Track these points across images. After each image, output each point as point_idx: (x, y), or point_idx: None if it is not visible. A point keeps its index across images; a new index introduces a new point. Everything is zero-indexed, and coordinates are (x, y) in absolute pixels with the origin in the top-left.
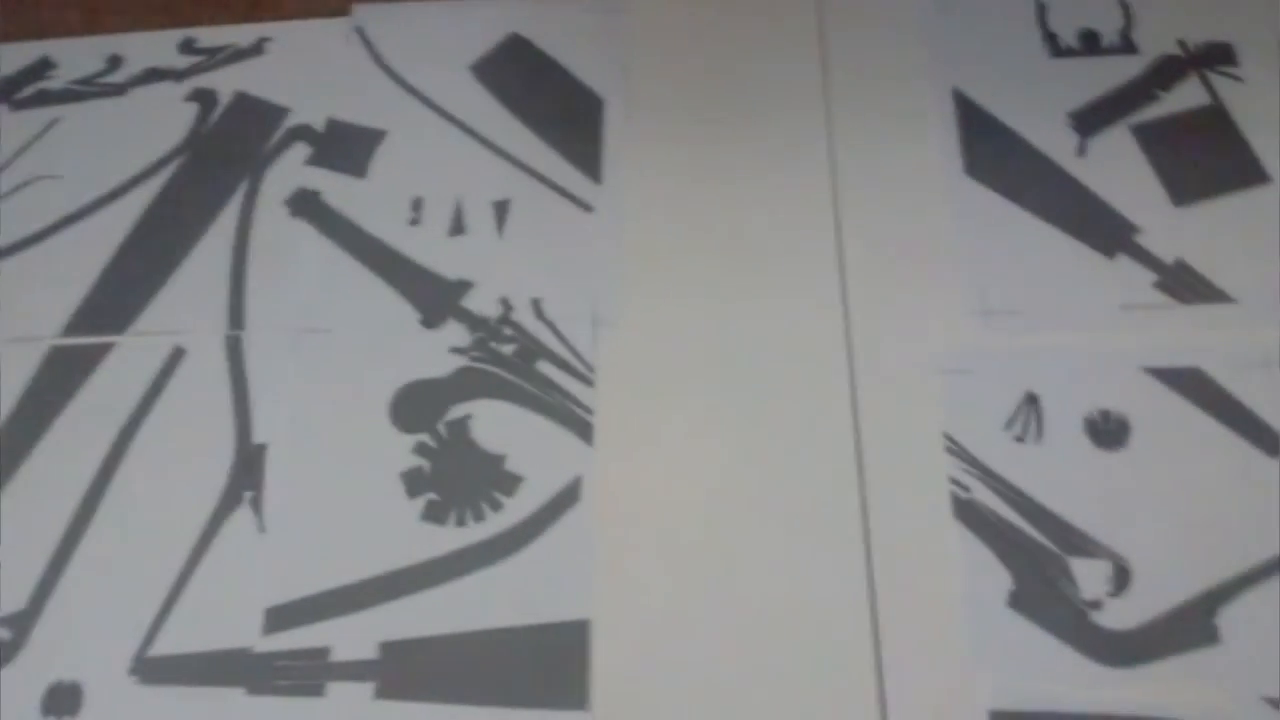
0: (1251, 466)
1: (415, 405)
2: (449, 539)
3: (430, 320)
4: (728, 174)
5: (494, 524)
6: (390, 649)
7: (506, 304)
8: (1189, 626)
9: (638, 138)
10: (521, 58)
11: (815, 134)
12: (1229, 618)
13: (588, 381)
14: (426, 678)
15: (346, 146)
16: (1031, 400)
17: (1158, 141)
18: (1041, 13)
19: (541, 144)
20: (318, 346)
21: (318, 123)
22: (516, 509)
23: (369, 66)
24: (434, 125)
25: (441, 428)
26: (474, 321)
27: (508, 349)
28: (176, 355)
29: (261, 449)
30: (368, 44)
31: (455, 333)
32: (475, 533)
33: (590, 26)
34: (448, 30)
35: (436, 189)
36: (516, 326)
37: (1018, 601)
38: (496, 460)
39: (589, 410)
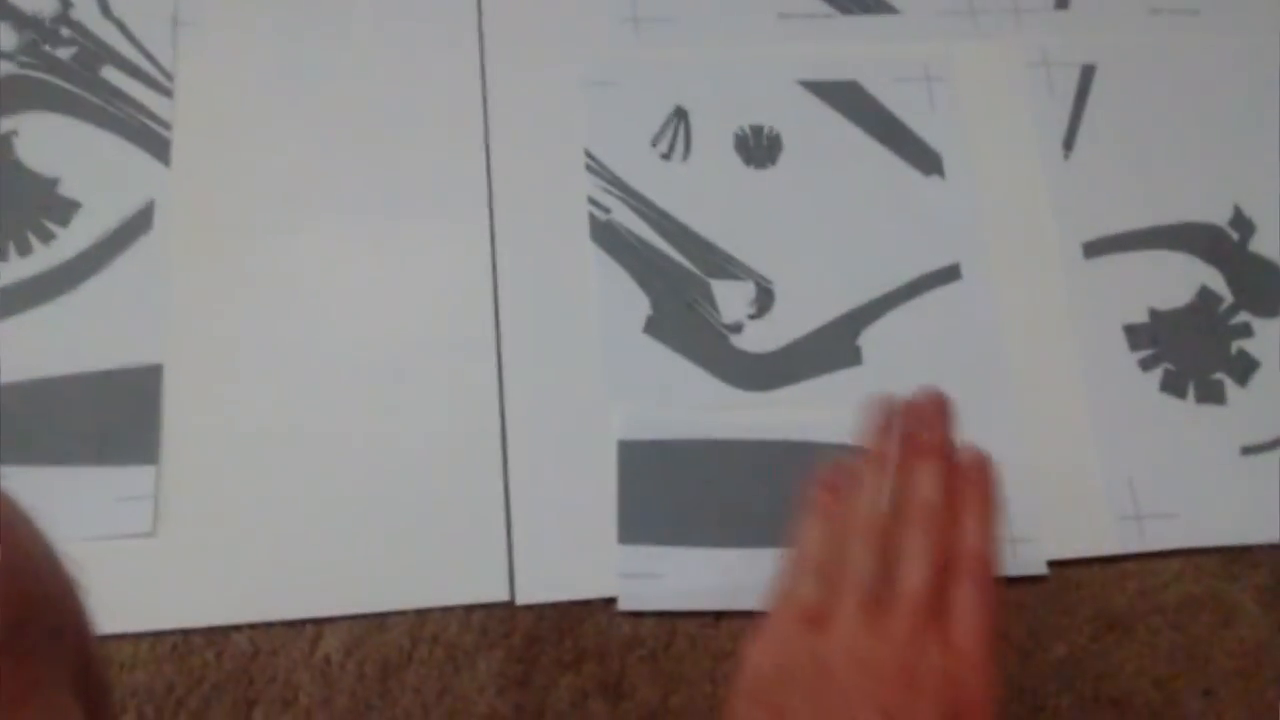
0: (905, 185)
1: None
2: None
3: None
4: None
5: (45, 258)
6: None
7: (65, 0)
8: (831, 348)
9: None
10: None
11: None
12: (870, 339)
13: (164, 91)
14: None
15: None
16: (680, 114)
17: None
18: None
19: None
20: None
21: None
22: (72, 240)
23: None
24: None
25: None
26: (22, 20)
27: (65, 53)
28: None
29: None
30: None
31: None
32: (22, 268)
33: None
34: None
35: None
36: (77, 26)
37: (655, 327)
38: (49, 184)
39: (164, 125)
